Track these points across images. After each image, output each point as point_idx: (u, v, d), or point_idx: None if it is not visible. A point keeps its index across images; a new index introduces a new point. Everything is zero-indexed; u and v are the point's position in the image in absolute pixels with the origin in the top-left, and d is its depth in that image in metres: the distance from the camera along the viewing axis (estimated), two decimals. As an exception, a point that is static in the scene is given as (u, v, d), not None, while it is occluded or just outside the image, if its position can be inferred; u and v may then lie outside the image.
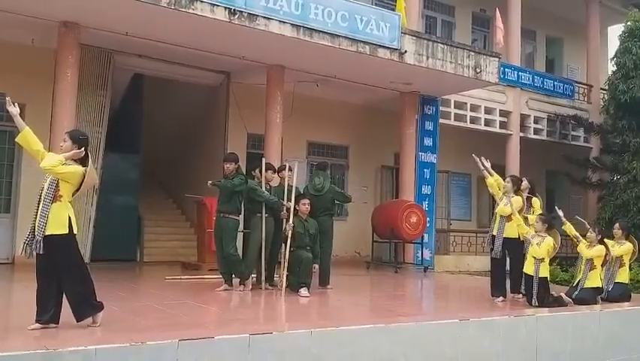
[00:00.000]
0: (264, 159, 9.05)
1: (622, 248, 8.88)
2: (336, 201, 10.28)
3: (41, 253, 5.09)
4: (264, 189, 8.63)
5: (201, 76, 13.24)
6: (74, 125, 10.39)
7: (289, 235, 8.32)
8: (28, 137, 5.24)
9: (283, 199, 8.70)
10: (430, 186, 14.64)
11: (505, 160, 16.41)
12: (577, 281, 8.75)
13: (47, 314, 5.13)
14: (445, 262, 14.80)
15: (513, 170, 16.27)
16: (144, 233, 13.52)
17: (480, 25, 18.46)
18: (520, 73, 16.78)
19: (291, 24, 10.32)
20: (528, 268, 7.94)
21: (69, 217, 5.25)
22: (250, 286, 8.54)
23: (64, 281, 5.22)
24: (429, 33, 14.84)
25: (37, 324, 5.10)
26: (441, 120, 14.95)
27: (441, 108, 14.97)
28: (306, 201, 8.63)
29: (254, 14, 9.89)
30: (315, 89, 13.40)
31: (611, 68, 17.96)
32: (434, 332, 5.90)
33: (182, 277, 9.86)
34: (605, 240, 8.84)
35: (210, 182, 8.58)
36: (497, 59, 13.49)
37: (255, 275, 8.76)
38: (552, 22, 19.33)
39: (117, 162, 12.76)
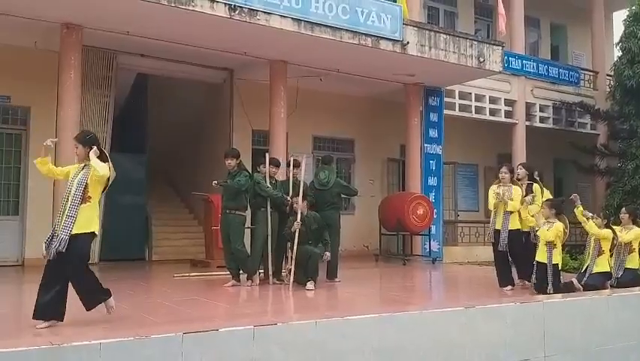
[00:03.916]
0: (267, 154, 9.06)
1: (630, 233, 8.76)
2: (342, 195, 10.29)
3: (64, 251, 5.09)
4: (268, 183, 8.64)
5: (204, 74, 13.27)
6: (79, 126, 10.45)
7: (296, 232, 8.33)
8: (47, 166, 5.50)
9: (288, 193, 8.71)
10: (436, 178, 14.60)
11: (512, 149, 16.35)
12: (585, 267, 8.74)
13: (50, 309, 5.11)
14: (454, 253, 14.76)
15: (520, 159, 16.17)
16: (152, 232, 13.57)
17: (483, 15, 18.35)
18: (524, 61, 16.67)
19: (292, 18, 10.31)
20: (541, 255, 7.90)
21: (95, 218, 5.35)
22: (258, 282, 8.57)
23: (73, 275, 5.23)
24: (431, 24, 14.78)
25: (44, 323, 5.10)
26: (445, 111, 14.88)
27: (445, 99, 14.90)
28: (299, 199, 8.47)
29: (254, 9, 9.89)
30: (319, 83, 13.39)
31: (617, 53, 17.84)
32: (440, 320, 5.89)
33: (191, 274, 9.89)
34: (613, 226, 8.82)
35: (215, 182, 8.58)
36: (501, 48, 13.42)
37: (262, 270, 8.78)
38: (556, 8, 19.18)
39: (123, 161, 12.70)
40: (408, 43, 11.73)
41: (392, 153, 15.98)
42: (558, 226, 7.87)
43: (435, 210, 13.75)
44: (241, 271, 8.54)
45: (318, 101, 14.19)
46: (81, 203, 5.25)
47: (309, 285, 8.11)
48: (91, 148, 5.40)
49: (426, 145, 14.51)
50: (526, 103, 16.73)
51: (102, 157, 5.45)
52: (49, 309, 5.13)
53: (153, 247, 13.35)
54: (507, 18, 15.05)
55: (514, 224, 8.28)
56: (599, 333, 7.11)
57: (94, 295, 5.37)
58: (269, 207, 8.56)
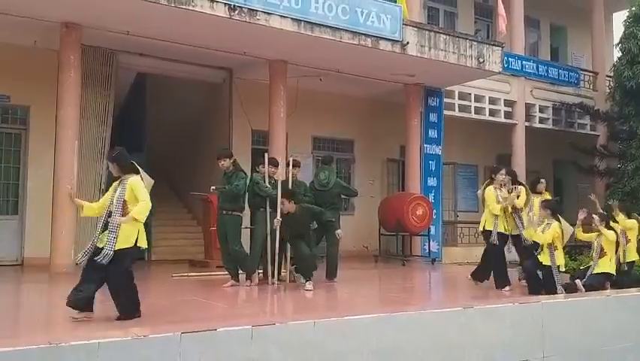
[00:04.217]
0: (266, 155, 9.05)
1: (627, 222, 9.17)
2: (342, 196, 10.29)
3: (107, 264, 5.35)
4: (267, 183, 8.63)
5: (204, 73, 13.26)
6: (79, 125, 10.49)
7: (277, 229, 8.31)
8: (92, 210, 5.81)
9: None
10: (435, 178, 14.60)
11: (512, 150, 16.36)
12: (587, 267, 8.85)
13: (82, 302, 5.37)
14: (454, 254, 14.76)
15: (519, 160, 16.26)
16: (151, 232, 13.52)
17: (483, 15, 18.35)
18: (524, 62, 16.68)
19: (292, 18, 10.31)
20: (544, 258, 7.96)
21: (138, 232, 5.56)
22: (257, 281, 8.56)
23: (113, 285, 5.52)
24: (431, 24, 14.78)
25: (78, 313, 5.38)
26: (445, 112, 14.89)
27: (445, 99, 14.90)
28: (284, 200, 8.34)
29: (254, 9, 9.89)
30: (319, 83, 13.39)
31: (616, 54, 17.84)
32: (439, 321, 5.89)
33: (190, 274, 9.89)
34: (611, 223, 8.98)
35: (213, 187, 8.47)
36: (500, 49, 13.42)
37: (261, 270, 8.78)
38: (556, 9, 19.19)
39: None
40: (408, 43, 11.73)
41: (392, 153, 15.97)
42: (555, 226, 7.90)
43: (434, 210, 13.75)
44: (240, 271, 8.53)
45: (318, 101, 14.19)
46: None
47: (308, 285, 8.11)
48: (119, 164, 5.70)
49: (425, 145, 14.51)
50: (526, 104, 16.74)
51: (130, 168, 5.71)
52: (82, 302, 5.37)
53: (152, 247, 13.32)
54: (507, 19, 15.04)
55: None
56: (598, 334, 7.12)
57: (129, 309, 5.57)
58: (268, 208, 8.55)
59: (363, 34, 11.13)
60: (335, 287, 8.80)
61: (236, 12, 9.74)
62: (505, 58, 14.92)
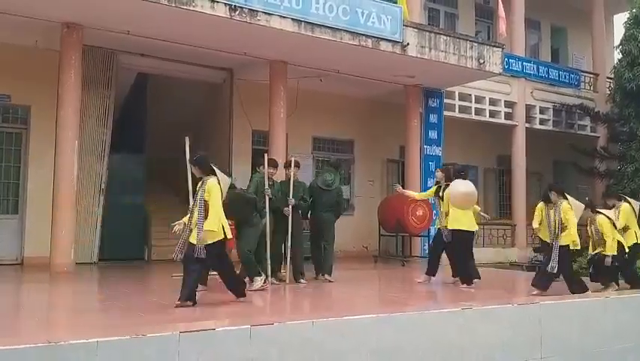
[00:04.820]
0: (266, 155, 9.06)
1: (620, 216, 9.11)
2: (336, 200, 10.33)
3: (203, 257, 6.18)
4: (267, 184, 8.64)
5: (204, 73, 13.27)
6: (79, 125, 10.50)
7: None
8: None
9: (289, 195, 8.72)
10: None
11: (512, 151, 16.39)
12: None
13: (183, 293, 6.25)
14: (453, 255, 14.73)
15: (520, 161, 16.30)
16: (151, 232, 13.54)
17: (483, 17, 18.36)
18: (524, 63, 16.71)
19: (292, 19, 10.32)
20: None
21: (222, 224, 6.28)
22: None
23: (222, 269, 6.57)
24: (431, 25, 14.78)
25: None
26: (445, 113, 14.91)
27: (445, 100, 14.91)
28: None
29: (254, 10, 9.90)
30: (319, 84, 13.40)
31: (617, 56, 17.87)
32: (438, 321, 5.90)
33: (189, 274, 9.86)
34: (603, 210, 8.99)
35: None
36: (501, 50, 13.42)
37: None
38: (556, 11, 19.19)
39: (122, 161, 12.79)
40: (408, 44, 11.74)
41: (392, 153, 15.98)
42: (564, 205, 7.89)
43: (434, 211, 13.72)
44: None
45: (318, 101, 14.19)
46: (205, 218, 6.18)
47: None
48: (200, 167, 6.41)
49: (425, 146, 14.53)
50: (526, 105, 16.77)
51: (210, 169, 6.31)
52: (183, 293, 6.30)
53: (152, 246, 13.33)
54: (507, 20, 15.07)
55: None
56: (597, 335, 7.13)
57: (240, 286, 6.66)
58: (267, 208, 8.55)
59: (364, 34, 11.14)
60: (334, 287, 8.80)
61: (237, 12, 9.75)
62: (506, 59, 14.95)
